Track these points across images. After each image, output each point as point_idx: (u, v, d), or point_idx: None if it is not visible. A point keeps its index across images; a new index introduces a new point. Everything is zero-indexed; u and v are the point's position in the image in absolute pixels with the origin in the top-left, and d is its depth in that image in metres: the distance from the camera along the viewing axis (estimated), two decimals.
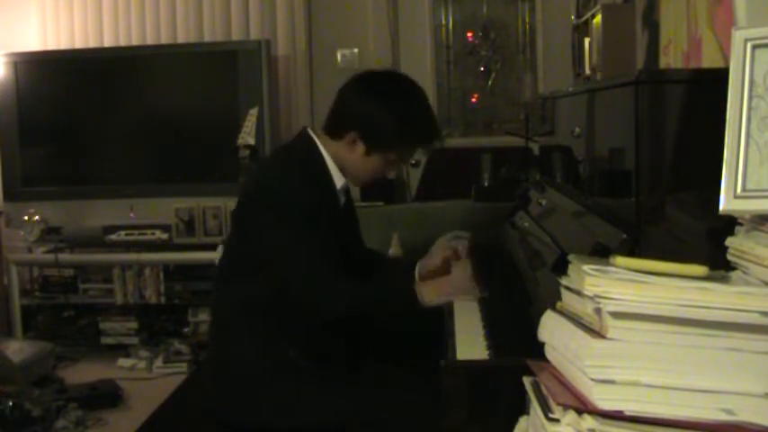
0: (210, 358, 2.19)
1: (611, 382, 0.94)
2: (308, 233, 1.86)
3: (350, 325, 1.96)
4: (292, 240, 1.87)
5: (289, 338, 1.91)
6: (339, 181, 2.00)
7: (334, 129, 1.98)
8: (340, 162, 1.99)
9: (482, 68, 4.76)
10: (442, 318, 1.96)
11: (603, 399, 0.94)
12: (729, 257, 1.05)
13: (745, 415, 0.93)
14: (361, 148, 1.95)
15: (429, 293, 1.93)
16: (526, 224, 2.30)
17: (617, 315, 0.95)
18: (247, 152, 3.78)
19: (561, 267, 1.16)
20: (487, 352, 1.62)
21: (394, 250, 3.07)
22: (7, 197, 4.32)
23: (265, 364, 1.91)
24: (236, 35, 4.50)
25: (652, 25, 2.78)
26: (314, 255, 1.87)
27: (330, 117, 2.01)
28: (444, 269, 2.13)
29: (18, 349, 3.51)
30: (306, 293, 1.88)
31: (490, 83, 4.77)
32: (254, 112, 3.91)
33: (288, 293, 1.87)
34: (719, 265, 1.03)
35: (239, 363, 1.94)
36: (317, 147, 1.98)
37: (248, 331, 1.94)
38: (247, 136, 3.83)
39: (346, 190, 2.07)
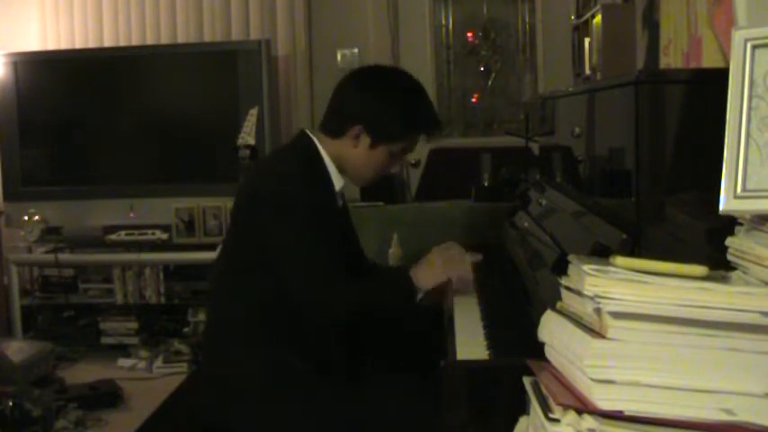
0: (207, 364, 2.12)
1: (611, 382, 0.94)
2: (311, 234, 1.85)
3: (351, 329, 1.94)
4: (295, 241, 1.85)
5: (289, 344, 1.88)
6: (338, 183, 1.99)
7: (336, 126, 1.96)
8: (341, 162, 1.98)
9: (482, 68, 4.77)
10: (441, 318, 1.96)
11: (603, 399, 0.94)
12: (729, 257, 1.05)
13: (745, 415, 0.92)
14: (366, 141, 1.94)
15: (425, 277, 1.92)
16: (526, 224, 2.30)
17: (617, 315, 0.95)
18: (247, 152, 3.78)
19: (561, 267, 1.15)
20: (487, 352, 1.62)
21: (394, 250, 3.07)
22: (7, 197, 4.32)
23: (265, 370, 1.88)
24: (236, 35, 4.50)
25: (652, 25, 2.78)
26: (316, 256, 1.85)
27: (330, 115, 2.00)
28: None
29: (18, 349, 3.50)
30: (308, 294, 1.85)
31: (490, 83, 4.77)
32: (254, 112, 3.91)
33: (289, 295, 1.85)
34: (719, 265, 1.03)
35: (237, 369, 1.90)
36: (316, 148, 1.97)
37: (247, 337, 1.90)
38: (247, 136, 3.83)
39: (342, 193, 2.05)
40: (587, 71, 3.62)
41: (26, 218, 4.15)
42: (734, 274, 1.01)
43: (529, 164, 2.99)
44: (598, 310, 0.97)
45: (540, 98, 3.28)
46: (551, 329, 1.08)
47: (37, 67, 4.30)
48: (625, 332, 0.95)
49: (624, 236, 1.47)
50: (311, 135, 1.99)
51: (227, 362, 1.94)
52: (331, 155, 1.97)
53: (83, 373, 3.75)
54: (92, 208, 4.24)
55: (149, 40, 4.54)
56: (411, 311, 2.00)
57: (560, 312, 1.08)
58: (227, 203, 3.99)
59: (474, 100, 4.81)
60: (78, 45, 4.58)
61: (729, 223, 1.06)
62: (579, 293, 1.01)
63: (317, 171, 1.96)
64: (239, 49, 4.20)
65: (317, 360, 1.89)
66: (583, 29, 3.78)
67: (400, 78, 2.03)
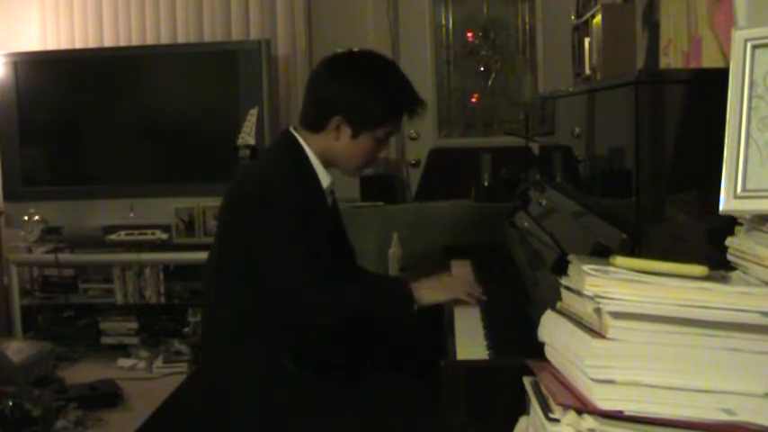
0: (206, 365, 2.11)
1: (611, 382, 0.94)
2: (299, 234, 1.83)
3: (349, 330, 1.93)
4: (283, 241, 1.83)
5: (286, 345, 1.87)
6: (325, 180, 1.96)
7: (315, 120, 1.93)
8: (328, 156, 1.94)
9: (482, 68, 4.77)
10: (441, 319, 1.95)
11: (603, 399, 0.94)
12: (729, 257, 1.05)
13: (745, 415, 0.93)
14: (347, 131, 1.90)
15: (426, 292, 1.90)
16: (526, 224, 2.30)
17: (617, 315, 0.95)
18: (247, 152, 3.77)
19: (561, 267, 1.16)
20: (487, 352, 1.62)
21: (394, 250, 3.07)
22: (7, 197, 4.32)
23: (263, 371, 1.87)
24: (236, 35, 4.50)
25: (652, 25, 2.79)
26: (305, 255, 1.83)
27: (307, 110, 1.96)
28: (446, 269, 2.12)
29: (18, 349, 3.50)
30: (298, 294, 1.84)
31: (490, 83, 4.77)
32: (254, 112, 3.90)
33: (279, 295, 1.83)
34: (719, 265, 1.03)
35: (235, 370, 1.89)
36: (301, 146, 1.94)
37: (244, 338, 1.89)
38: (247, 136, 3.83)
39: (331, 191, 2.02)
40: (587, 71, 3.61)
41: (26, 218, 4.15)
42: (734, 274, 1.01)
43: (529, 164, 2.99)
44: (598, 310, 0.97)
45: (540, 98, 3.28)
46: (551, 329, 1.08)
47: (37, 67, 4.30)
48: (625, 332, 0.95)
49: (624, 236, 1.47)
50: (295, 133, 1.96)
51: (225, 363, 1.93)
52: (316, 150, 1.94)
53: (83, 373, 3.75)
54: (92, 208, 4.24)
55: (149, 40, 4.53)
56: (402, 319, 1.99)
57: (560, 312, 1.08)
58: None
59: (474, 100, 4.81)
60: (78, 45, 4.58)
61: (729, 223, 1.07)
62: (579, 293, 1.01)
63: (303, 169, 1.93)
64: (239, 49, 4.20)
65: (315, 360, 1.88)
66: (583, 29, 3.78)
67: (372, 61, 1.98)
